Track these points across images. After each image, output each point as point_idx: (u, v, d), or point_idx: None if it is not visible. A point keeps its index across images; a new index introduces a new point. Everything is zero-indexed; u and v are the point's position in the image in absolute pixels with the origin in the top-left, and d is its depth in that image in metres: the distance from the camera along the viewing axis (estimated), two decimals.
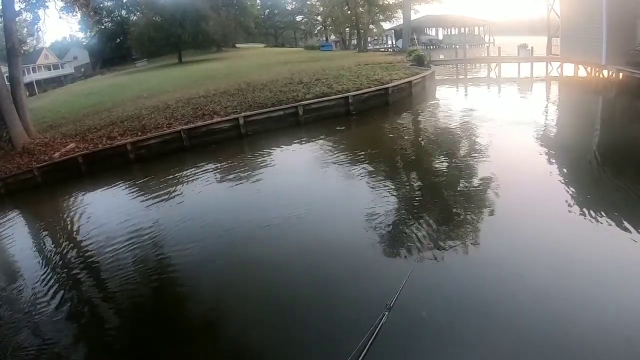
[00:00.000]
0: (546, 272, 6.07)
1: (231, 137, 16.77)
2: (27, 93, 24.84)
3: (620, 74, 19.76)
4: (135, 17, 65.99)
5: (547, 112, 18.28)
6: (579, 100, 20.09)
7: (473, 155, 12.16)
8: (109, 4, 67.56)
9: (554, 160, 11.31)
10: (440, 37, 53.64)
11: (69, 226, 11.00)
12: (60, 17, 23.56)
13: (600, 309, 5.25)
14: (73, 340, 6.14)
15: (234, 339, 5.72)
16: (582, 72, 23.90)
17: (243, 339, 5.63)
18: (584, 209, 8.06)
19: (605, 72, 21.35)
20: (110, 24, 69.91)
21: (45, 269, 8.63)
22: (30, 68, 57.46)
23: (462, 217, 8.29)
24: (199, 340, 5.69)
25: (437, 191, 9.95)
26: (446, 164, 11.95)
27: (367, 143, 15.27)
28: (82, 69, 70.66)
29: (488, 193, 9.30)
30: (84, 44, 75.85)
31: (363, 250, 7.25)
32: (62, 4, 22.41)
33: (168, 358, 5.55)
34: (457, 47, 38.14)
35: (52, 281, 7.97)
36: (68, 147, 16.27)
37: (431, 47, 44.09)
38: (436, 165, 12.03)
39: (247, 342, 5.54)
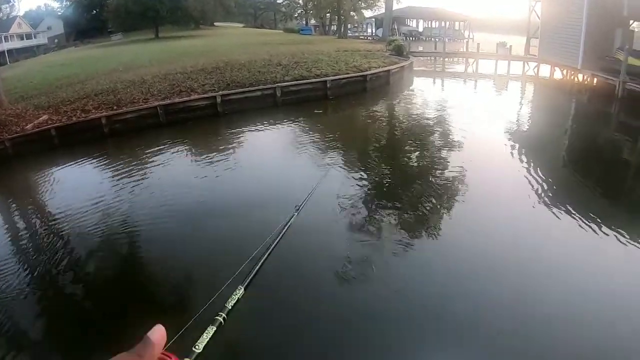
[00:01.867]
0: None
1: (208, 115, 16.73)
2: None
3: (595, 79, 20.36)
4: None
5: (520, 110, 18.90)
6: (552, 100, 20.70)
7: (442, 143, 12.63)
8: None
9: (519, 153, 11.97)
10: (421, 29, 54.02)
11: (39, 198, 10.93)
12: None
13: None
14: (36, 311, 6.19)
15: None
16: (557, 74, 24.54)
17: None
18: (544, 199, 8.55)
19: (580, 76, 22.00)
20: None
21: (13, 240, 8.61)
22: (2, 37, 55.68)
23: (426, 196, 8.70)
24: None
25: (405, 174, 10.41)
26: (417, 149, 12.37)
27: (343, 127, 15.63)
28: (56, 40, 68.69)
29: (453, 178, 9.77)
30: (59, 14, 73.60)
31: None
32: None
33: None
34: (437, 40, 38.47)
35: (19, 252, 7.98)
36: (41, 119, 15.91)
37: (411, 38, 44.41)
38: (407, 151, 12.43)
39: None
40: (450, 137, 13.38)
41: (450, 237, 7.17)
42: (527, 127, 15.69)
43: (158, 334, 0.63)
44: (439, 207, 8.39)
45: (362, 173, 10.34)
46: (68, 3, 69.21)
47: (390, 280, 5.99)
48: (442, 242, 7.06)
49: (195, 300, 5.39)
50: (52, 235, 8.56)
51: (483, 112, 16.72)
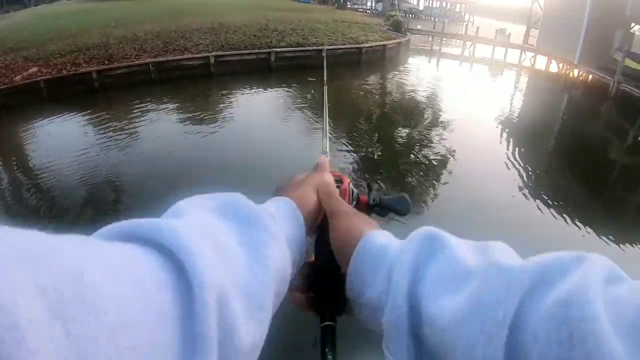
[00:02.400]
0: None
1: (200, 74, 16.65)
2: None
3: (590, 76, 20.53)
4: None
5: (512, 98, 19.24)
6: (546, 92, 21.00)
7: (431, 121, 12.99)
8: None
9: (506, 140, 12.42)
10: (421, 7, 53.62)
11: (26, 150, 10.92)
12: None
13: None
14: None
15: None
16: (553, 67, 24.70)
17: None
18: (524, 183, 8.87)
19: (575, 71, 22.13)
20: None
21: None
22: None
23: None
24: None
25: (392, 148, 10.82)
26: (405, 124, 12.66)
27: (335, 96, 15.63)
28: None
29: (440, 156, 10.20)
30: None
31: None
32: None
33: None
34: (437, 20, 38.26)
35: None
36: (30, 70, 15.61)
37: (410, 15, 44.01)
38: (395, 125, 12.72)
39: None
40: (440, 116, 13.65)
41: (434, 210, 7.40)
42: (518, 115, 16.06)
43: (323, 158, 0.84)
44: (423, 181, 8.75)
45: (348, 142, 10.58)
46: None
47: None
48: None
49: None
50: (36, 187, 8.59)
51: (474, 96, 17.01)
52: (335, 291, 0.65)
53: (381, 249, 0.58)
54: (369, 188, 0.83)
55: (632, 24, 21.52)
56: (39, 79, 14.92)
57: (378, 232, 0.63)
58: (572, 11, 22.48)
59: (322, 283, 0.67)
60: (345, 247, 0.63)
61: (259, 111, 13.44)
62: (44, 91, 14.71)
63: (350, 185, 0.81)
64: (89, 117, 12.87)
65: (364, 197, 0.81)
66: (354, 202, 0.79)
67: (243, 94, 15.19)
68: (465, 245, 0.53)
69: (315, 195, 0.73)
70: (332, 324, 0.63)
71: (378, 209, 0.80)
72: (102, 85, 15.28)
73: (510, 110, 16.19)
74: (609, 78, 18.36)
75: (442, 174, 9.18)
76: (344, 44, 20.33)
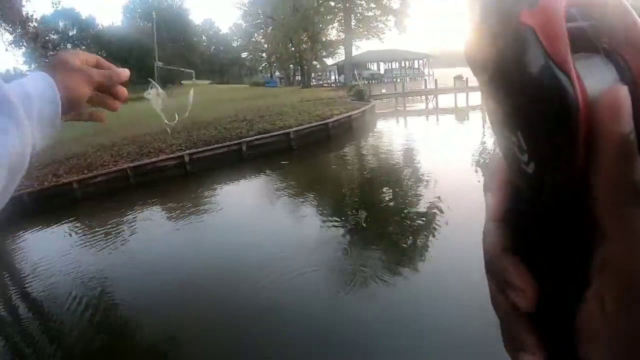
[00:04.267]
0: None
1: (177, 174, 17.27)
2: None
3: None
4: None
5: (482, 139, 19.89)
6: None
7: (411, 177, 13.45)
8: (55, 37, 66.58)
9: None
10: (382, 71, 55.99)
11: (11, 264, 11.31)
12: (7, 50, 23.69)
13: None
14: None
15: None
16: None
17: None
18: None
19: None
20: None
21: None
22: None
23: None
24: None
25: (374, 216, 11.09)
26: (376, 190, 13.15)
27: (307, 175, 16.42)
28: None
29: (428, 216, 10.25)
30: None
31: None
32: (10, 37, 22.46)
33: None
34: (398, 80, 40.04)
35: None
36: None
37: (373, 81, 46.04)
38: (368, 193, 13.21)
39: None
40: (418, 171, 14.23)
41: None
42: (493, 150, 16.56)
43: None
44: (417, 244, 8.95)
45: (330, 218, 11.04)
46: (35, 66, 69.69)
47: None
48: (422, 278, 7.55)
49: None
50: (18, 301, 8.83)
51: (445, 146, 17.68)
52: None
53: None
54: None
55: None
56: (22, 192, 15.05)
57: None
58: None
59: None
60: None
61: (237, 204, 13.84)
62: (27, 204, 14.83)
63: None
64: (72, 228, 13.28)
65: None
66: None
67: (220, 188, 15.81)
68: None
69: (83, 84, 0.81)
70: None
71: None
72: (84, 195, 15.75)
73: (484, 149, 16.77)
74: None
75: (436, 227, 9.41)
76: (311, 122, 21.32)
